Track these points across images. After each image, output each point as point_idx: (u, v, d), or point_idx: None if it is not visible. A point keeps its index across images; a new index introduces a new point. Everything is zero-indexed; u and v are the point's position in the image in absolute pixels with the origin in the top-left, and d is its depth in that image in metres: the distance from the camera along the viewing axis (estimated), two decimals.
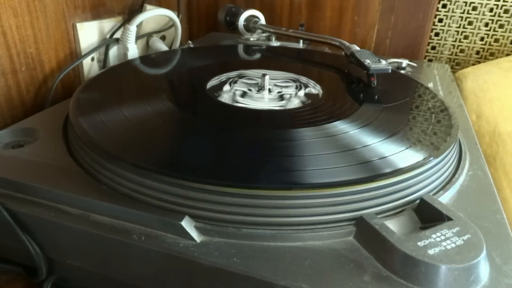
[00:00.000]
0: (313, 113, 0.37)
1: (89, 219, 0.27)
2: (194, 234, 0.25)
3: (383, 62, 0.45)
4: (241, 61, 0.56)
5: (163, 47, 0.64)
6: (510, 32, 0.68)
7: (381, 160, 0.29)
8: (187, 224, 0.25)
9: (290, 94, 0.42)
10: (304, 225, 0.26)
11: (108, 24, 0.58)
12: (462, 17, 0.70)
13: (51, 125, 0.37)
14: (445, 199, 0.29)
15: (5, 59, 0.44)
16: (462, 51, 0.73)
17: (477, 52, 0.72)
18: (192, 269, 0.24)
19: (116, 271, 0.28)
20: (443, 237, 0.23)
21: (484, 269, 0.23)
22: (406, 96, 0.43)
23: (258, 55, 0.59)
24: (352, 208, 0.26)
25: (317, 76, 0.49)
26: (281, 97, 0.41)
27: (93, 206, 0.27)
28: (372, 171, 0.28)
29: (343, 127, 0.34)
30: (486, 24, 0.69)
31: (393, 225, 0.25)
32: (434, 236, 0.23)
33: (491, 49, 0.71)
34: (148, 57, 0.54)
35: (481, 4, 0.68)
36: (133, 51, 0.58)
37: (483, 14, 0.69)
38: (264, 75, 0.43)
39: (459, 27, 0.71)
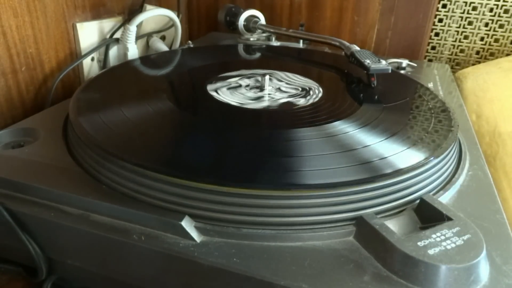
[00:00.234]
0: (313, 113, 0.37)
1: (89, 219, 0.27)
2: (194, 234, 0.25)
3: (383, 62, 0.45)
4: (241, 61, 0.56)
5: (163, 47, 0.64)
6: (510, 32, 0.68)
7: (381, 160, 0.29)
8: (187, 224, 0.25)
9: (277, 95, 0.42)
10: (304, 225, 0.26)
11: (108, 24, 0.58)
12: (462, 17, 0.70)
13: (51, 125, 0.37)
14: (445, 199, 0.29)
15: (5, 59, 0.45)
16: (462, 51, 0.73)
17: (477, 52, 0.72)
18: (192, 269, 0.24)
19: (116, 271, 0.28)
20: (443, 237, 0.23)
21: (484, 269, 0.23)
22: (406, 96, 0.43)
23: (258, 55, 0.59)
24: (352, 208, 0.26)
25: (317, 76, 0.49)
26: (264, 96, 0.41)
27: (93, 206, 0.27)
28: (372, 172, 0.28)
29: (343, 127, 0.34)
30: (486, 24, 0.69)
31: (393, 225, 0.25)
32: (434, 236, 0.23)
33: (491, 49, 0.71)
34: (148, 57, 0.54)
35: (481, 4, 0.68)
36: (133, 51, 0.58)
37: (483, 14, 0.69)
38: (264, 75, 0.43)
39: (459, 27, 0.71)
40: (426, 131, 0.34)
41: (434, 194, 0.29)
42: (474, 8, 0.69)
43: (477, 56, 0.72)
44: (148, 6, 0.63)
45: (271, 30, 0.68)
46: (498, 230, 0.26)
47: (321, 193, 0.26)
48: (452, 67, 0.73)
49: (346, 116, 0.36)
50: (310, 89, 0.44)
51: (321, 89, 0.44)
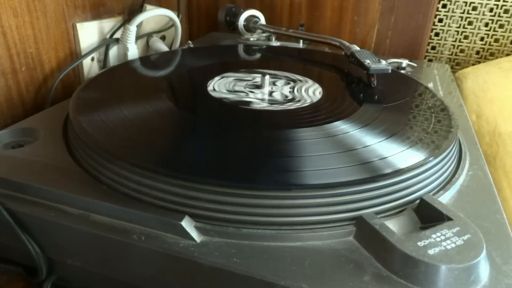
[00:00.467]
0: (313, 113, 0.37)
1: (89, 219, 0.27)
2: (194, 234, 0.25)
3: (383, 62, 0.45)
4: (241, 61, 0.56)
5: (163, 47, 0.64)
6: (510, 32, 0.68)
7: (381, 160, 0.29)
8: (187, 224, 0.25)
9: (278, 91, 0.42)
10: (304, 225, 0.26)
11: (108, 24, 0.58)
12: (462, 17, 0.70)
13: (51, 125, 0.37)
14: (445, 199, 0.29)
15: (5, 59, 0.45)
16: (462, 51, 0.73)
17: (477, 52, 0.72)
18: (192, 269, 0.24)
19: (116, 271, 0.28)
20: (443, 237, 0.23)
21: (484, 269, 0.23)
22: (406, 96, 0.43)
23: (258, 55, 0.59)
24: (352, 208, 0.26)
25: (317, 76, 0.49)
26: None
27: (93, 206, 0.27)
28: (372, 172, 0.28)
29: (343, 127, 0.34)
30: (486, 24, 0.69)
31: (393, 225, 0.25)
32: (434, 236, 0.23)
33: (491, 49, 0.71)
34: (148, 57, 0.54)
35: (481, 4, 0.68)
36: (133, 51, 0.58)
37: (483, 14, 0.69)
38: (264, 74, 0.43)
39: (459, 27, 0.71)
40: (426, 131, 0.34)
41: (434, 194, 0.29)
42: (474, 8, 0.69)
43: (477, 56, 0.72)
44: (148, 6, 0.63)
45: (271, 30, 0.68)
46: (498, 230, 0.26)
47: (321, 193, 0.26)
48: (452, 67, 0.73)
49: (346, 116, 0.36)
50: (308, 87, 0.44)
51: (320, 88, 0.44)
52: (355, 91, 0.45)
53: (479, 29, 0.70)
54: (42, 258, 0.29)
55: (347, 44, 0.53)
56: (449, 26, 0.71)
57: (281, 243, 0.25)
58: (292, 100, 0.40)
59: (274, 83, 0.45)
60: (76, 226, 0.27)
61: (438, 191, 0.30)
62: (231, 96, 0.41)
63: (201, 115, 0.37)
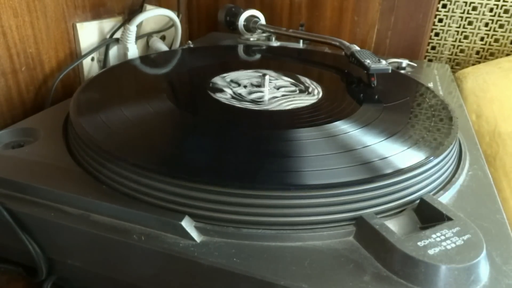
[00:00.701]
0: (313, 113, 0.37)
1: (89, 219, 0.27)
2: (194, 234, 0.25)
3: (383, 62, 0.45)
4: (241, 61, 0.56)
5: (163, 47, 0.64)
6: (510, 32, 0.68)
7: (381, 161, 0.29)
8: (187, 224, 0.25)
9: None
10: (304, 225, 0.26)
11: (108, 24, 0.58)
12: (462, 17, 0.70)
13: (51, 125, 0.37)
14: (445, 199, 0.29)
15: (5, 59, 0.44)
16: (462, 51, 0.73)
17: (477, 52, 0.72)
18: (192, 269, 0.24)
19: (116, 271, 0.28)
20: (443, 237, 0.23)
21: (484, 269, 0.23)
22: (406, 96, 0.43)
23: (258, 55, 0.59)
24: (352, 208, 0.26)
25: (317, 76, 0.49)
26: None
27: (93, 206, 0.27)
28: (372, 172, 0.28)
29: (343, 127, 0.34)
30: (486, 24, 0.69)
31: (393, 225, 0.25)
32: (434, 236, 0.23)
33: (491, 49, 0.71)
34: (148, 57, 0.54)
35: (481, 4, 0.68)
36: (133, 51, 0.58)
37: (483, 14, 0.69)
38: (264, 75, 0.43)
39: (459, 27, 0.71)
40: (426, 131, 0.34)
41: (434, 194, 0.29)
42: (474, 8, 0.69)
43: (477, 56, 0.72)
44: (148, 6, 0.63)
45: (271, 30, 0.68)
46: (498, 230, 0.26)
47: (321, 193, 0.26)
48: (452, 67, 0.73)
49: (346, 116, 0.36)
50: (308, 87, 0.44)
51: (320, 88, 0.44)
52: (355, 91, 0.45)
53: (479, 29, 0.70)
54: (42, 258, 0.29)
55: (347, 44, 0.53)
56: (449, 26, 0.71)
57: (281, 243, 0.25)
58: (292, 100, 0.40)
59: (274, 83, 0.45)
60: (76, 226, 0.27)
61: (438, 191, 0.30)
62: (231, 96, 0.41)
63: (201, 115, 0.37)
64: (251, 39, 0.70)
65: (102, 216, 0.27)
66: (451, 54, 0.73)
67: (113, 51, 0.58)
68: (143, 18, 0.59)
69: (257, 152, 0.30)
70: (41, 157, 0.32)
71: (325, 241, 0.25)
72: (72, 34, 0.53)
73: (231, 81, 0.45)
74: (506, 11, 0.67)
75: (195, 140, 0.32)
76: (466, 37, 0.71)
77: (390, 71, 0.44)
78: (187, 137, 0.33)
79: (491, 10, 0.68)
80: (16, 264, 0.32)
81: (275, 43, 0.69)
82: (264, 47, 0.64)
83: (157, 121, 0.35)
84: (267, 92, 0.42)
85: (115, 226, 0.26)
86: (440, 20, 0.71)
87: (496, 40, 0.70)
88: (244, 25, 0.69)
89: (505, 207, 0.29)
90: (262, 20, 0.70)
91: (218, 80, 0.45)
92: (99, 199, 0.27)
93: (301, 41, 0.67)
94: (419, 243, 0.23)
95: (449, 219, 0.25)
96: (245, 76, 0.47)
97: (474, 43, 0.71)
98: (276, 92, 0.43)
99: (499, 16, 0.68)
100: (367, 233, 0.25)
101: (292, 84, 0.45)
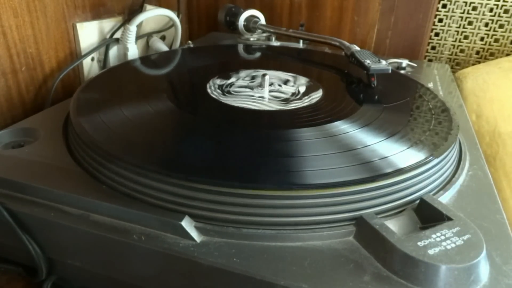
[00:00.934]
0: (313, 113, 0.37)
1: (89, 219, 0.27)
2: (194, 234, 0.25)
3: (383, 62, 0.45)
4: (241, 61, 0.56)
5: (163, 47, 0.64)
6: (510, 32, 0.68)
7: (381, 160, 0.29)
8: (187, 224, 0.25)
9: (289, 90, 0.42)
10: (304, 225, 0.26)
11: (108, 24, 0.58)
12: (462, 17, 0.70)
13: (51, 125, 0.37)
14: (445, 199, 0.29)
15: (5, 59, 0.45)
16: (462, 51, 0.73)
17: (477, 52, 0.72)
18: (192, 269, 0.24)
19: (116, 271, 0.28)
20: (443, 237, 0.23)
21: (484, 269, 0.23)
22: (406, 96, 0.43)
23: (258, 55, 0.59)
24: (352, 208, 0.26)
25: (317, 76, 0.49)
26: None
27: (93, 206, 0.27)
28: (372, 171, 0.28)
29: (343, 127, 0.34)
30: (486, 24, 0.69)
31: (393, 225, 0.25)
32: (434, 236, 0.23)
33: (491, 49, 0.71)
34: (148, 57, 0.54)
35: (481, 4, 0.68)
36: (133, 51, 0.58)
37: (483, 14, 0.69)
38: (264, 75, 0.43)
39: (459, 27, 0.71)
40: (426, 131, 0.34)
41: (434, 194, 0.29)
42: (474, 8, 0.69)
43: (477, 56, 0.72)
44: (148, 6, 0.63)
45: (271, 30, 0.68)
46: (498, 230, 0.26)
47: (321, 193, 0.26)
48: (452, 67, 0.73)
49: (346, 116, 0.36)
50: (308, 88, 0.44)
51: (320, 88, 0.44)
52: (355, 91, 0.45)
53: (479, 29, 0.70)
54: (42, 258, 0.29)
55: (347, 44, 0.53)
56: (449, 26, 0.71)
57: (281, 243, 0.25)
58: (292, 100, 0.40)
59: (274, 83, 0.45)
60: (76, 226, 0.27)
61: (438, 191, 0.30)
62: (231, 96, 0.41)
63: (201, 115, 0.37)
64: (251, 39, 0.70)
65: (102, 216, 0.27)
66: (451, 54, 0.73)
67: (113, 51, 0.58)
68: (143, 18, 0.59)
69: (257, 152, 0.30)
70: (41, 157, 0.32)
71: (325, 241, 0.25)
72: (72, 34, 0.53)
73: (231, 81, 0.45)
74: (506, 11, 0.67)
75: (195, 140, 0.32)
76: (466, 37, 0.71)
77: (390, 71, 0.44)
78: (187, 137, 0.33)
79: (491, 10, 0.68)
80: (16, 264, 0.32)
81: (275, 43, 0.69)
82: (264, 47, 0.64)
83: (157, 121, 0.35)
84: (267, 92, 0.42)
85: (115, 226, 0.26)
86: (440, 20, 0.71)
87: (496, 40, 0.70)
88: (244, 25, 0.69)
89: (505, 207, 0.29)
90: (262, 20, 0.70)
91: (218, 80, 0.45)
92: (99, 199, 0.27)
93: (301, 41, 0.67)
94: (419, 243, 0.23)
95: (449, 219, 0.25)
96: (245, 76, 0.47)
97: (474, 43, 0.71)
98: (276, 92, 0.43)
99: (499, 16, 0.68)
100: (367, 233, 0.25)
101: (292, 84, 0.45)
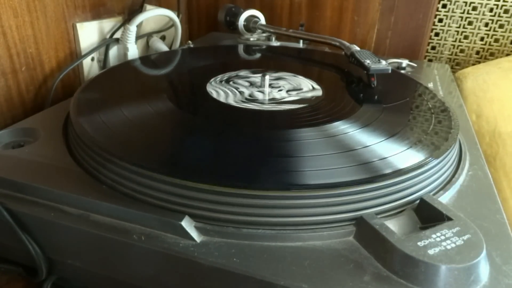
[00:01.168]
0: (313, 113, 0.37)
1: (89, 219, 0.27)
2: (194, 234, 0.25)
3: (383, 62, 0.45)
4: (241, 61, 0.56)
5: (163, 47, 0.64)
6: (510, 32, 0.68)
7: (381, 161, 0.29)
8: (187, 224, 0.25)
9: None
10: (304, 225, 0.26)
11: (108, 24, 0.58)
12: (462, 17, 0.70)
13: (51, 125, 0.37)
14: (445, 199, 0.29)
15: (5, 59, 0.45)
16: (462, 51, 0.73)
17: (477, 52, 0.72)
18: (192, 269, 0.24)
19: (116, 271, 0.28)
20: (443, 237, 0.23)
21: (484, 269, 0.23)
22: (406, 96, 0.43)
23: (258, 55, 0.59)
24: (352, 208, 0.26)
25: (317, 76, 0.49)
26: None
27: (93, 206, 0.27)
28: (372, 172, 0.28)
29: (343, 128, 0.34)
30: (486, 24, 0.69)
31: (393, 225, 0.25)
32: (434, 236, 0.23)
33: (491, 49, 0.71)
34: (148, 57, 0.54)
35: (481, 4, 0.68)
36: (133, 51, 0.58)
37: (483, 14, 0.69)
38: (264, 74, 0.43)
39: (459, 27, 0.71)
40: (426, 132, 0.34)
41: (434, 194, 0.29)
42: (474, 8, 0.69)
43: (477, 56, 0.72)
44: (148, 6, 0.63)
45: (271, 30, 0.68)
46: (498, 230, 0.26)
47: (321, 193, 0.26)
48: (452, 67, 0.73)
49: (346, 116, 0.36)
50: (308, 88, 0.44)
51: (320, 88, 0.44)
52: (355, 91, 0.45)
53: (479, 29, 0.70)
54: (42, 258, 0.29)
55: (347, 44, 0.53)
56: (449, 26, 0.71)
57: (281, 243, 0.25)
58: (292, 100, 0.40)
59: (274, 83, 0.45)
60: (76, 226, 0.27)
61: (438, 191, 0.30)
62: (231, 96, 0.41)
63: (201, 115, 0.37)
64: (251, 39, 0.70)
65: (102, 216, 0.27)
66: (451, 54, 0.73)
67: (113, 51, 0.58)
68: (143, 18, 0.59)
69: (257, 152, 0.30)
70: (41, 157, 0.32)
71: (325, 241, 0.25)
72: (72, 34, 0.53)
73: (231, 81, 0.45)
74: (506, 11, 0.67)
75: (195, 140, 0.32)
76: (466, 37, 0.71)
77: (390, 71, 0.44)
78: (187, 137, 0.33)
79: (491, 10, 0.68)
80: (16, 264, 0.32)
81: (275, 43, 0.69)
82: (264, 47, 0.64)
83: (157, 121, 0.35)
84: (267, 92, 0.42)
85: (115, 226, 0.26)
86: (440, 20, 0.71)
87: (496, 40, 0.70)
88: (244, 25, 0.69)
89: (505, 207, 0.29)
90: (262, 20, 0.70)
91: (218, 80, 0.45)
92: (99, 199, 0.27)
93: (301, 41, 0.67)
94: (419, 243, 0.23)
95: (449, 219, 0.25)
96: (245, 76, 0.47)
97: (474, 43, 0.71)
98: (276, 92, 0.43)
99: (499, 16, 0.68)
100: (367, 233, 0.25)
101: (292, 84, 0.45)
